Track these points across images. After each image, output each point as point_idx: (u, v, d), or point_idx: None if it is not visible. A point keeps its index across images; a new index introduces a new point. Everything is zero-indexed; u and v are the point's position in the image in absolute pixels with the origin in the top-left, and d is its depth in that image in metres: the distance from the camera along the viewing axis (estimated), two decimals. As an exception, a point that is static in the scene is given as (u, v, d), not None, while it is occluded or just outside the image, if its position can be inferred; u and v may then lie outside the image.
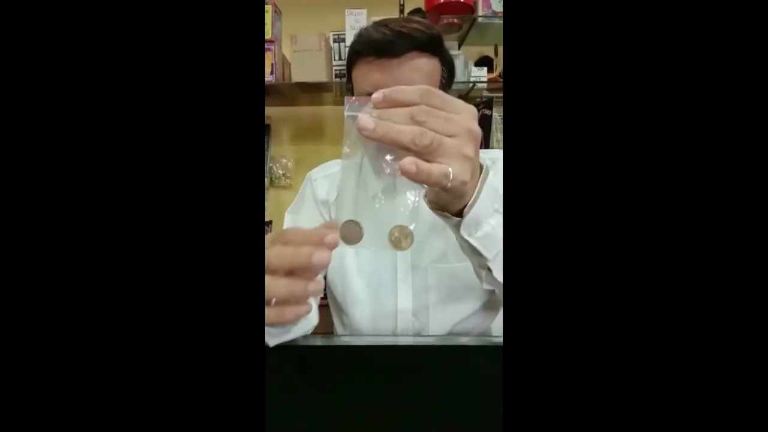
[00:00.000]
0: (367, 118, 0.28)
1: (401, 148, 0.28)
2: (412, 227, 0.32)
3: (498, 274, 0.38)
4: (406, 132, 0.28)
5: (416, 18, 0.53)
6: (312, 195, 0.66)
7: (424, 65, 0.51)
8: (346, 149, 0.32)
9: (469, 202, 0.35)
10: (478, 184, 0.35)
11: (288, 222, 0.66)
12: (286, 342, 0.47)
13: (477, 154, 0.32)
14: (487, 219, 0.35)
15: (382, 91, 0.29)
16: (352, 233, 0.35)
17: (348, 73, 0.57)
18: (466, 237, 0.36)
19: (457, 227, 0.37)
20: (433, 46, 0.51)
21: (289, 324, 0.34)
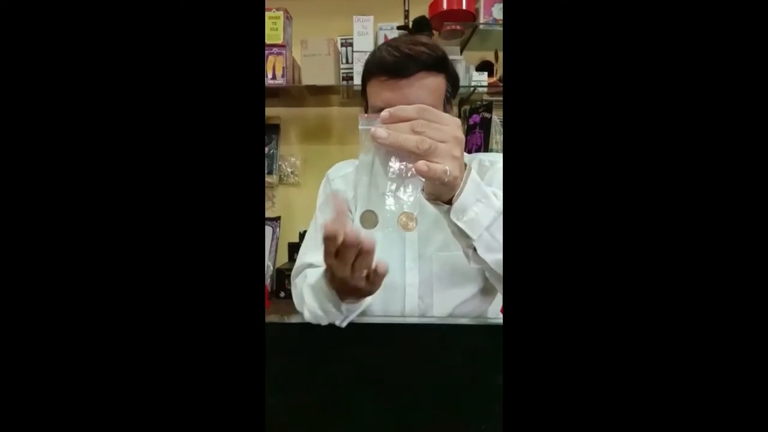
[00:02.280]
0: (381, 130, 0.37)
1: (406, 152, 0.38)
2: (415, 214, 0.40)
3: (482, 253, 0.46)
4: (411, 139, 0.37)
5: (423, 40, 0.59)
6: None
7: (431, 83, 0.58)
8: (361, 155, 0.41)
9: (457, 193, 0.43)
10: (464, 179, 0.43)
11: (319, 217, 0.74)
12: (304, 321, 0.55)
13: (462, 155, 0.41)
14: (472, 206, 0.44)
15: (387, 110, 0.39)
16: (369, 220, 0.44)
17: (363, 86, 0.64)
18: (455, 221, 0.45)
19: (447, 213, 0.45)
20: (438, 65, 0.58)
21: (375, 290, 0.47)
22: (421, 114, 0.39)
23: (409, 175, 0.40)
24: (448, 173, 0.38)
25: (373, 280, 0.43)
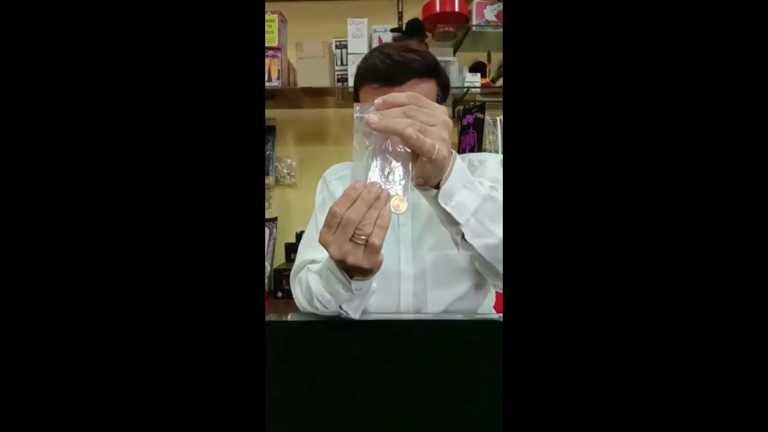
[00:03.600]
0: (373, 116, 0.40)
1: (398, 135, 0.40)
2: (406, 198, 0.42)
3: (470, 238, 0.48)
4: (402, 122, 0.40)
5: (414, 46, 0.61)
6: (330, 195, 0.75)
7: (422, 89, 0.59)
8: (355, 144, 0.43)
9: (444, 176, 0.45)
10: (451, 164, 0.45)
11: (319, 218, 0.75)
12: (308, 318, 0.56)
13: (450, 138, 0.44)
14: (459, 191, 0.46)
15: (381, 97, 0.41)
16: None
17: (355, 92, 0.65)
18: (443, 205, 0.46)
19: (435, 199, 0.47)
20: (429, 71, 0.60)
21: (377, 267, 0.47)
22: (412, 100, 0.42)
23: (399, 151, 0.42)
24: (436, 149, 0.41)
25: (369, 254, 0.43)
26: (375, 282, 0.70)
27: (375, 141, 0.42)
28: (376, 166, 0.42)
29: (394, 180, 0.42)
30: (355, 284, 0.50)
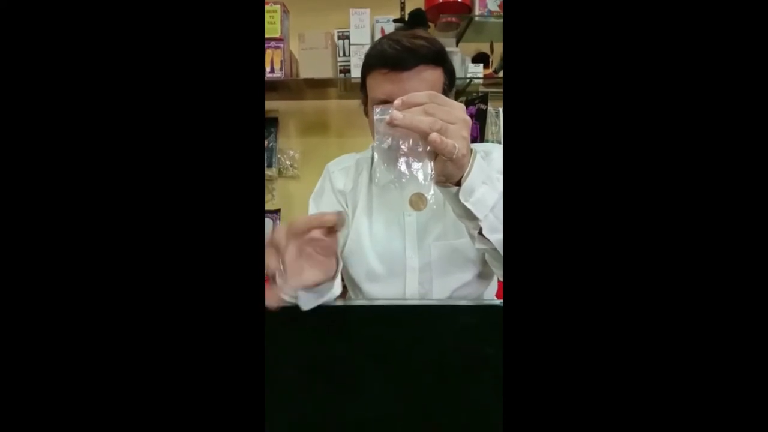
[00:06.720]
0: (397, 113, 0.41)
1: (420, 133, 0.41)
2: (428, 196, 0.43)
3: (487, 233, 0.49)
4: (424, 121, 0.41)
5: (422, 33, 0.61)
6: (330, 185, 0.76)
7: (430, 76, 0.60)
8: (376, 145, 0.45)
9: (465, 173, 0.46)
10: (471, 161, 0.46)
11: (312, 207, 0.76)
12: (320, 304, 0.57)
13: (469, 136, 0.45)
14: (478, 188, 0.47)
15: (400, 98, 0.42)
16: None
17: (362, 79, 0.66)
18: (463, 202, 0.47)
19: (456, 196, 0.48)
20: (437, 59, 0.60)
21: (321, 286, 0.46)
22: (432, 99, 0.42)
23: (420, 150, 0.43)
24: (457, 149, 0.42)
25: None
26: (373, 279, 0.71)
27: (396, 141, 0.43)
28: (399, 166, 0.43)
29: (416, 178, 0.44)
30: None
